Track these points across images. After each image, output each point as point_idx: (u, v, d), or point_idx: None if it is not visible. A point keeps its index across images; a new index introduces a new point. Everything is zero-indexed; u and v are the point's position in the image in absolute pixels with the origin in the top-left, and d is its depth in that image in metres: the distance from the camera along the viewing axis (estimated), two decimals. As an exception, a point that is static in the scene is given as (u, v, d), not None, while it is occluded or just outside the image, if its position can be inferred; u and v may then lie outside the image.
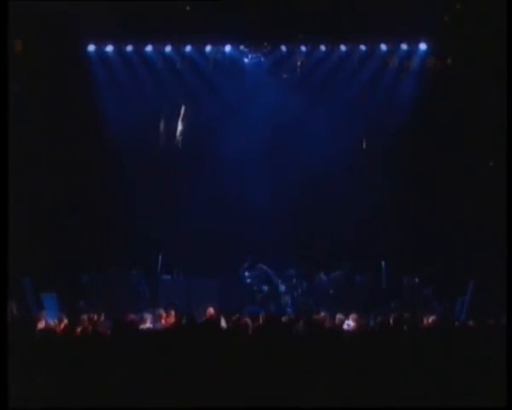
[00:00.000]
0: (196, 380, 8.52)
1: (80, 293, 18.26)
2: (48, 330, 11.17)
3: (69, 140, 19.62)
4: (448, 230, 19.15)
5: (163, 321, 13.39)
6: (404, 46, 19.64)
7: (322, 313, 13.77)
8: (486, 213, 18.00)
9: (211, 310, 14.17)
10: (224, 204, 20.10)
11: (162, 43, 19.77)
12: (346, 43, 19.62)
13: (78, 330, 11.67)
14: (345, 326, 13.03)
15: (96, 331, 11.31)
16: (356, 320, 13.40)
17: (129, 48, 19.86)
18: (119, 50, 19.94)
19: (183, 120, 20.19)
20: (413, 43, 19.54)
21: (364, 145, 20.23)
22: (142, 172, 20.22)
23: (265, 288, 18.70)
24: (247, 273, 19.12)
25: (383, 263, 18.65)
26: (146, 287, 18.86)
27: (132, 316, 13.46)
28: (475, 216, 18.66)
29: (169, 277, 19.08)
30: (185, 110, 20.36)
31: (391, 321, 11.97)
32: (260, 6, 18.03)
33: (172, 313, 13.75)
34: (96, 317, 14.19)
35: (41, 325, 12.24)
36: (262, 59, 20.02)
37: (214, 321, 12.97)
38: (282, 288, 18.80)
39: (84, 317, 13.24)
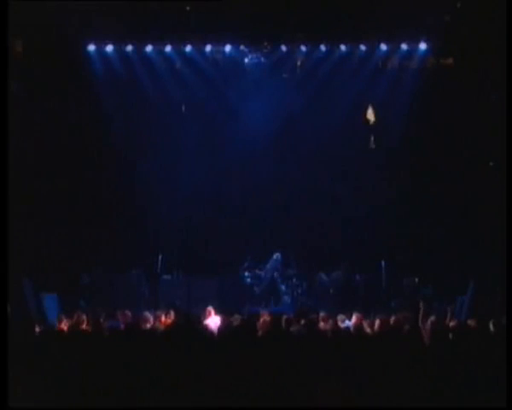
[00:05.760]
0: (195, 380, 8.52)
1: (80, 293, 18.28)
2: (48, 330, 11.16)
3: (69, 140, 19.62)
4: (448, 230, 19.16)
5: (162, 321, 13.38)
6: (404, 46, 19.65)
7: (323, 313, 13.74)
8: (486, 213, 17.99)
9: (210, 310, 14.18)
10: (224, 204, 20.12)
11: (162, 43, 19.77)
12: (346, 43, 19.63)
13: (78, 329, 11.67)
14: (345, 325, 13.01)
15: (95, 331, 11.30)
16: (357, 321, 13.36)
17: (129, 48, 19.86)
18: (119, 50, 19.94)
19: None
20: (413, 43, 19.55)
21: (372, 145, 20.21)
22: (142, 171, 20.22)
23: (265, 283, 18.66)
24: (246, 273, 19.14)
25: (383, 263, 18.66)
26: (146, 287, 18.88)
27: (131, 316, 13.46)
28: (475, 216, 18.66)
29: (169, 277, 19.10)
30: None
31: (391, 321, 11.97)
32: (260, 6, 18.03)
33: (172, 313, 13.74)
34: (95, 317, 14.16)
35: (40, 326, 12.22)
36: (262, 59, 20.01)
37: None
38: (282, 287, 18.85)
39: (84, 317, 13.21)
